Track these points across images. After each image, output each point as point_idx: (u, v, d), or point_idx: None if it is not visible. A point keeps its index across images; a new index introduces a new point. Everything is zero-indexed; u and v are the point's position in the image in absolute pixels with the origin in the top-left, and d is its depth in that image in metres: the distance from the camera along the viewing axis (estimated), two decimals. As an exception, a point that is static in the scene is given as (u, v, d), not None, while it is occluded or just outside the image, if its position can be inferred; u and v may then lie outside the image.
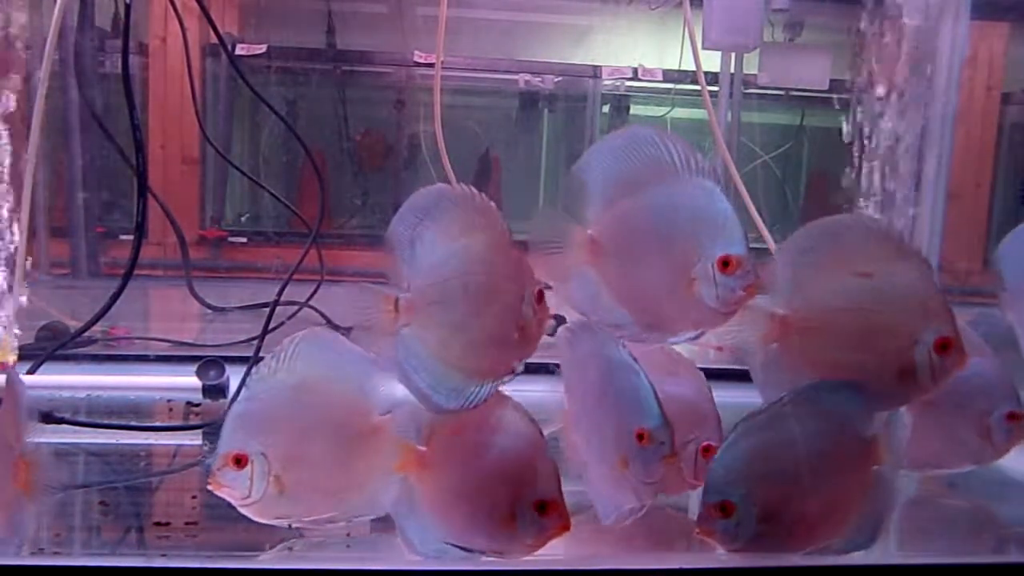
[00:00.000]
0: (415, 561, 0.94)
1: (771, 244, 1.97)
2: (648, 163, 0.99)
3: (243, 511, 0.93)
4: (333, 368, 0.99)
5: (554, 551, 0.93)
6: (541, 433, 0.92)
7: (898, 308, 0.97)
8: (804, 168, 4.33)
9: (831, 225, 1.03)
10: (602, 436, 0.99)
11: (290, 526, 0.95)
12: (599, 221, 1.01)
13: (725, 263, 0.94)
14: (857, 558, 0.95)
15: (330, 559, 1.00)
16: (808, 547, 0.93)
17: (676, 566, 0.92)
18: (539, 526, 0.89)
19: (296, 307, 2.15)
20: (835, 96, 3.42)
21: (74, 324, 1.81)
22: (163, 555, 0.93)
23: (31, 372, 1.52)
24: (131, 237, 1.65)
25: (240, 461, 0.92)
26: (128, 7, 1.66)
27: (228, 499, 0.91)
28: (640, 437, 0.95)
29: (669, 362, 1.08)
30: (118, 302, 1.60)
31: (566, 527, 0.89)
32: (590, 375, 1.01)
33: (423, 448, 0.95)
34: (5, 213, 1.61)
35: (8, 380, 0.97)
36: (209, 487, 0.91)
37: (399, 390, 0.99)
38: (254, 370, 0.97)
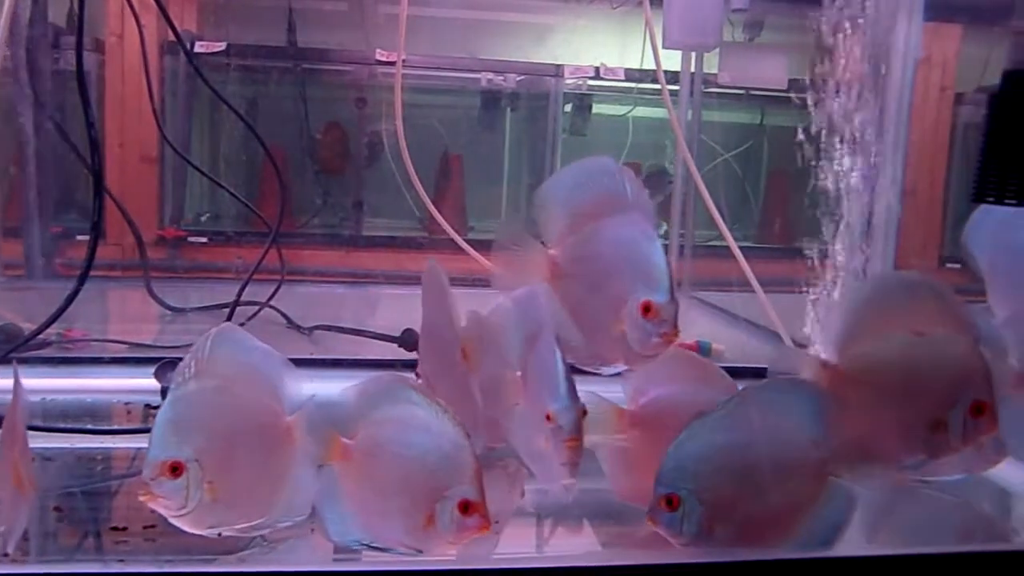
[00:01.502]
0: (399, 562, 0.93)
1: (732, 242, 1.99)
2: (605, 193, 1.05)
3: (177, 523, 0.91)
4: (249, 368, 0.98)
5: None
6: (467, 433, 0.93)
7: (942, 368, 1.03)
8: (764, 166, 4.38)
9: (894, 281, 1.10)
10: (527, 416, 1.04)
11: (220, 535, 0.94)
12: (559, 243, 1.07)
13: (646, 308, 1.00)
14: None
15: (294, 561, 0.99)
16: (755, 550, 0.94)
17: (677, 560, 0.93)
18: (460, 525, 0.90)
19: (257, 307, 2.14)
20: (794, 95, 3.47)
21: (28, 326, 1.77)
22: (120, 560, 0.91)
23: (-17, 375, 1.49)
24: (87, 237, 1.63)
25: (176, 469, 0.90)
26: (82, 2, 1.64)
27: (162, 511, 0.89)
28: (548, 418, 0.98)
29: (701, 370, 1.11)
30: (74, 303, 1.58)
31: (486, 527, 0.90)
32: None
33: (348, 441, 0.94)
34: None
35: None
36: (142, 499, 0.89)
37: (304, 389, 1.00)
38: (175, 373, 0.95)
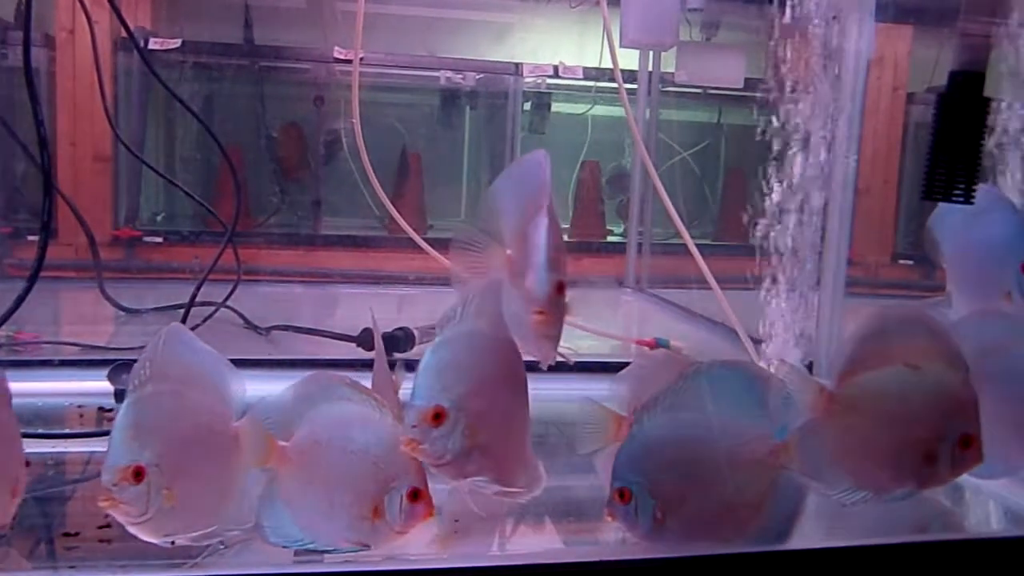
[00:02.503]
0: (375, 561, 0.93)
1: (689, 241, 2.01)
2: (541, 187, 1.09)
3: (135, 530, 0.89)
4: (199, 371, 0.97)
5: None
6: (397, 423, 0.94)
7: (934, 401, 1.07)
8: (722, 165, 4.42)
9: (895, 316, 1.13)
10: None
11: (173, 543, 0.92)
12: (512, 242, 1.10)
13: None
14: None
15: (255, 565, 0.98)
16: (711, 543, 0.95)
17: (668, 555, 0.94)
18: (409, 514, 0.92)
19: (213, 308, 2.11)
20: (750, 94, 3.51)
21: (-24, 329, 1.74)
22: (72, 567, 0.90)
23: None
24: (37, 237, 1.60)
25: (139, 474, 0.88)
26: (30, -2, 1.61)
27: (121, 518, 0.88)
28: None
29: None
30: (25, 304, 1.55)
31: (431, 513, 0.93)
32: None
33: (284, 444, 0.94)
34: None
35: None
36: (102, 505, 0.87)
37: (254, 392, 1.00)
38: (131, 376, 0.93)
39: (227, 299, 2.19)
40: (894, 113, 3.95)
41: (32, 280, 1.54)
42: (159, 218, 3.86)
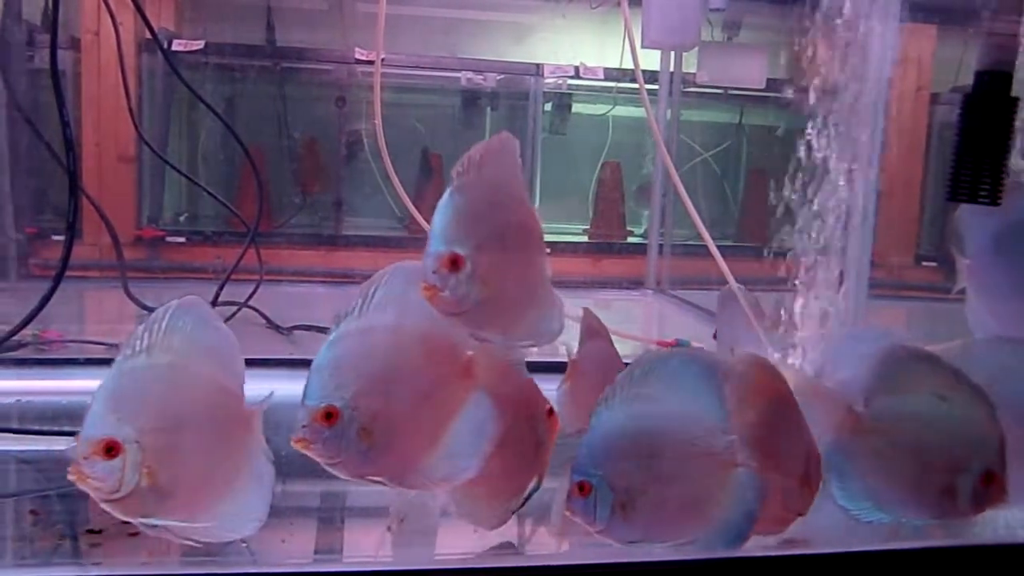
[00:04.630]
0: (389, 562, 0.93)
1: (710, 242, 2.00)
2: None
3: (106, 507, 0.84)
4: (210, 348, 0.91)
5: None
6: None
7: (959, 433, 1.06)
8: (743, 166, 4.40)
9: (920, 349, 1.12)
10: None
11: (155, 528, 0.88)
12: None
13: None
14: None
15: (278, 564, 0.99)
16: (669, 538, 0.95)
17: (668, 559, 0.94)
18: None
19: (236, 307, 2.13)
20: (772, 95, 3.49)
21: (3, 327, 1.75)
22: (96, 564, 0.91)
23: (-42, 378, 1.47)
24: (63, 237, 1.61)
25: (112, 450, 0.82)
26: (56, 0, 1.62)
27: (92, 493, 0.83)
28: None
29: None
30: (50, 304, 1.56)
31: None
32: None
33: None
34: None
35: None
36: (70, 478, 0.82)
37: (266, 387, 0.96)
38: (125, 345, 0.87)
39: (249, 299, 2.21)
40: (917, 113, 3.92)
41: (57, 280, 1.56)
42: (182, 218, 3.89)
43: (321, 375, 0.90)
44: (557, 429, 1.06)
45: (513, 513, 1.02)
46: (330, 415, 0.88)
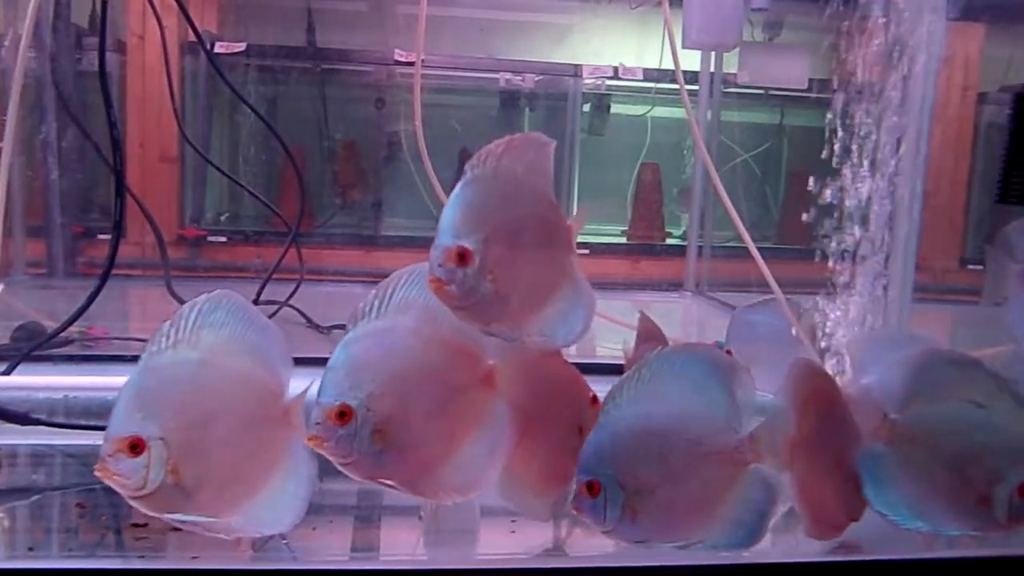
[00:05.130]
0: (413, 561, 0.93)
1: (750, 244, 1.98)
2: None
3: (133, 503, 0.84)
4: (241, 341, 0.90)
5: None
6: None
7: (995, 443, 1.03)
8: (783, 167, 4.36)
9: (956, 355, 1.09)
10: None
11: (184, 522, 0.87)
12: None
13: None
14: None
15: (317, 559, 0.99)
16: (678, 538, 0.94)
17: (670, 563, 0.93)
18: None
19: (276, 306, 2.15)
20: (814, 95, 3.45)
21: (51, 324, 1.79)
22: (141, 556, 0.92)
23: (7, 373, 1.50)
24: (108, 236, 1.64)
25: (136, 447, 0.81)
26: (105, 4, 1.65)
27: (118, 489, 0.83)
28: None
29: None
30: (96, 302, 1.59)
31: None
32: None
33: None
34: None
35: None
36: (96, 474, 0.82)
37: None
38: (151, 341, 0.86)
39: (290, 298, 2.23)
40: (964, 114, 3.85)
41: (104, 278, 1.58)
42: (223, 218, 3.93)
43: (336, 374, 0.89)
44: None
45: (565, 504, 1.00)
46: (343, 414, 0.87)
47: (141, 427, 0.82)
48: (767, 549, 1.11)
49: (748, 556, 0.94)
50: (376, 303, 0.94)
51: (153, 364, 0.85)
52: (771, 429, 0.95)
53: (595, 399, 1.05)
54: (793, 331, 1.59)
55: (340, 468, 0.90)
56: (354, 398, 0.88)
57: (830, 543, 1.03)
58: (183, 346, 0.86)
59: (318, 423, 0.88)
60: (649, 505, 0.91)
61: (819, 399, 1.04)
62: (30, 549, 0.98)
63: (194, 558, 0.91)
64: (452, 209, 0.92)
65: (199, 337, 0.87)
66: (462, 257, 0.89)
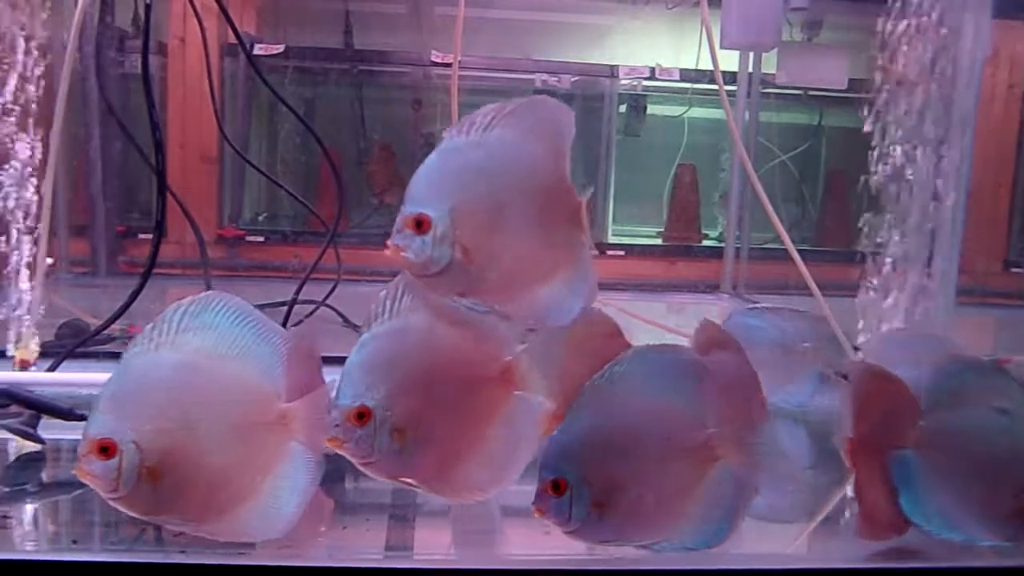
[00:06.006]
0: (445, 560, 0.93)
1: (789, 245, 1.96)
2: None
3: (112, 504, 0.84)
4: (232, 343, 0.88)
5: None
6: None
7: (1022, 451, 1.00)
8: (822, 168, 4.31)
9: (977, 360, 1.07)
10: None
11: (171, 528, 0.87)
12: None
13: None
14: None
15: (360, 557, 0.99)
16: (647, 536, 0.92)
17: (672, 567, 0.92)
18: None
19: (314, 306, 2.17)
20: (854, 95, 3.41)
21: (94, 322, 1.82)
22: (182, 551, 0.93)
23: (52, 369, 1.53)
24: (149, 236, 1.66)
25: (107, 449, 0.80)
26: (148, 7, 1.68)
27: (95, 488, 0.83)
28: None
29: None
30: (137, 300, 1.61)
31: None
32: None
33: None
34: (27, 213, 1.62)
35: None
36: (74, 472, 0.82)
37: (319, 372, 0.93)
38: (132, 343, 0.86)
39: (327, 298, 2.25)
40: (1009, 112, 3.78)
41: (146, 276, 1.61)
42: (260, 218, 3.98)
43: (353, 375, 0.89)
44: None
45: None
46: (362, 415, 0.87)
47: (113, 429, 0.81)
48: (804, 554, 1.11)
49: (792, 562, 0.93)
50: (388, 303, 0.94)
51: (131, 366, 0.84)
52: (738, 426, 0.94)
53: None
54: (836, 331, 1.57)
55: (361, 469, 0.91)
56: (371, 399, 0.88)
57: (884, 546, 1.01)
58: (165, 348, 0.84)
59: (336, 425, 0.88)
60: (616, 503, 0.89)
61: (879, 400, 1.02)
62: (74, 542, 1.00)
63: (240, 553, 0.91)
64: (418, 176, 0.91)
65: (183, 339, 0.85)
66: (420, 225, 0.88)
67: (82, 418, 1.32)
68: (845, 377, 1.12)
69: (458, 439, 0.94)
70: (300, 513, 0.90)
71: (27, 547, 1.01)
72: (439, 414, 0.92)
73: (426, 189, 0.91)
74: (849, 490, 1.06)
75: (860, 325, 1.77)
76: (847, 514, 1.18)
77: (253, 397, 0.88)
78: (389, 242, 0.90)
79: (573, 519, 0.88)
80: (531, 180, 0.95)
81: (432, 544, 1.10)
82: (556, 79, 3.82)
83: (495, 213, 0.92)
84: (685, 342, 1.18)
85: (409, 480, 0.93)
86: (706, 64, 3.62)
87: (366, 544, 1.03)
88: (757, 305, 1.55)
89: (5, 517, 1.08)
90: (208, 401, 0.84)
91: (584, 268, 0.99)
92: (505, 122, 0.94)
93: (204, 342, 0.86)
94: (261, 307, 2.46)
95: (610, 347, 1.00)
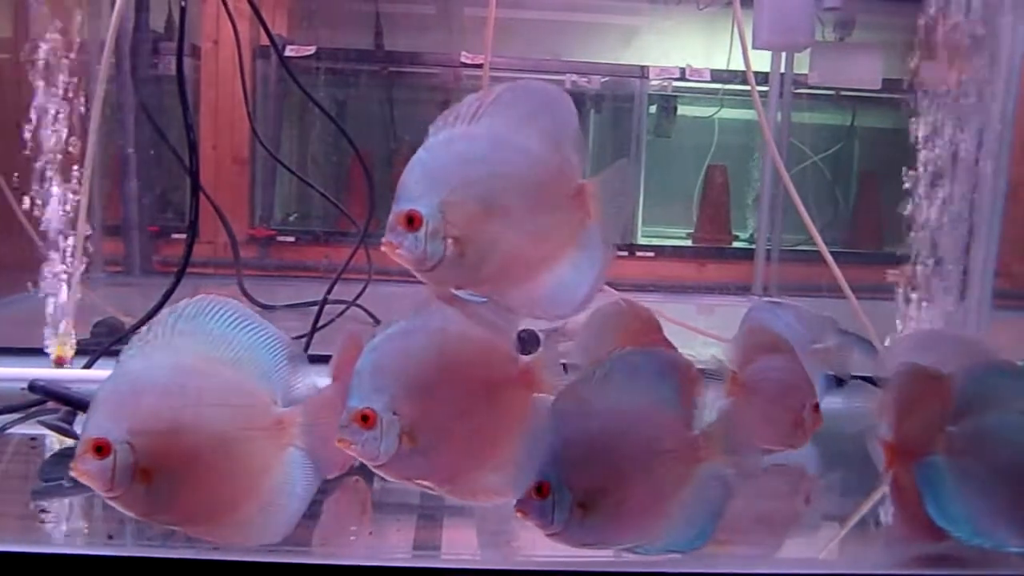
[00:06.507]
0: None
1: (822, 247, 1.94)
2: None
3: (110, 503, 0.84)
4: (228, 347, 0.88)
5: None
6: None
7: None
8: (855, 169, 4.27)
9: (1005, 363, 1.07)
10: None
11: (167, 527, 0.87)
12: None
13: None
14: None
15: (384, 555, 1.00)
16: (630, 539, 0.91)
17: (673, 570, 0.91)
18: None
19: (344, 306, 2.18)
20: (887, 96, 3.37)
21: (128, 320, 1.85)
22: (215, 548, 0.93)
23: (88, 366, 1.55)
24: (183, 236, 1.68)
25: (101, 449, 0.81)
26: (183, 10, 1.70)
27: (93, 488, 0.83)
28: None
29: None
30: (171, 299, 1.63)
31: None
32: None
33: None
34: (64, 212, 1.65)
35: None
36: (71, 472, 0.82)
37: (315, 378, 0.93)
38: (128, 345, 0.86)
39: (357, 298, 2.26)
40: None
41: (179, 276, 1.63)
42: (291, 218, 4.00)
43: (361, 378, 0.89)
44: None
45: None
46: (366, 417, 0.87)
47: (108, 430, 0.81)
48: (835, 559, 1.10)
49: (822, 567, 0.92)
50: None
51: (125, 368, 0.84)
52: (725, 426, 0.93)
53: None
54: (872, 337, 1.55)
55: (373, 470, 0.91)
56: (377, 401, 0.88)
57: (915, 552, 1.00)
58: (159, 350, 0.85)
59: (344, 426, 0.88)
60: (599, 505, 0.88)
61: (920, 403, 1.01)
62: (109, 537, 1.01)
63: (271, 550, 0.92)
64: (407, 173, 0.91)
65: (179, 342, 0.85)
66: (411, 221, 0.88)
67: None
68: (871, 381, 1.11)
69: (474, 441, 0.94)
70: (297, 517, 0.91)
71: (63, 542, 1.03)
72: (453, 416, 0.92)
73: (415, 185, 0.91)
74: (881, 494, 1.04)
75: (899, 327, 1.75)
76: (878, 519, 1.17)
77: (248, 401, 0.88)
78: (384, 240, 0.91)
79: (556, 521, 0.88)
80: (524, 167, 0.95)
81: (460, 544, 1.10)
82: (586, 80, 3.81)
83: (487, 203, 0.92)
84: (716, 344, 1.18)
85: (424, 482, 0.93)
86: (737, 65, 3.59)
87: (394, 544, 1.03)
88: (773, 299, 1.54)
89: (42, 512, 1.10)
90: (202, 404, 0.85)
91: (591, 253, 0.97)
92: (492, 110, 0.94)
93: (199, 345, 0.86)
94: (292, 307, 2.48)
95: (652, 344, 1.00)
